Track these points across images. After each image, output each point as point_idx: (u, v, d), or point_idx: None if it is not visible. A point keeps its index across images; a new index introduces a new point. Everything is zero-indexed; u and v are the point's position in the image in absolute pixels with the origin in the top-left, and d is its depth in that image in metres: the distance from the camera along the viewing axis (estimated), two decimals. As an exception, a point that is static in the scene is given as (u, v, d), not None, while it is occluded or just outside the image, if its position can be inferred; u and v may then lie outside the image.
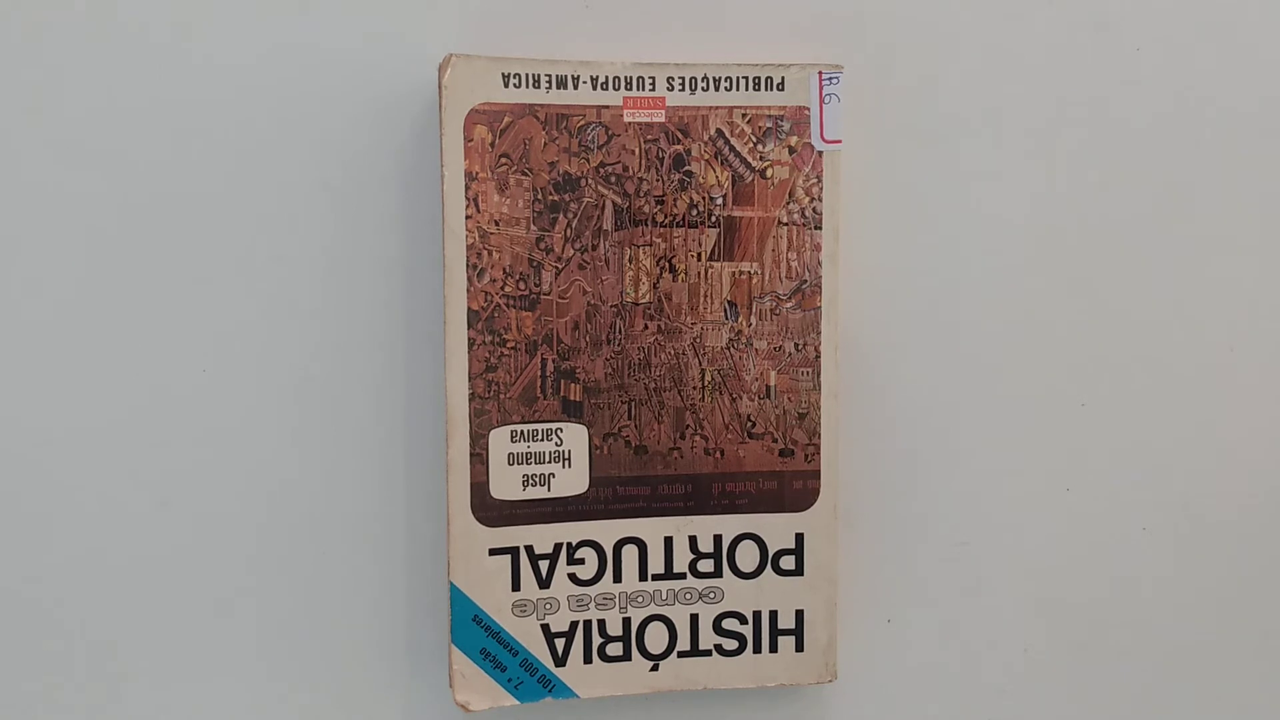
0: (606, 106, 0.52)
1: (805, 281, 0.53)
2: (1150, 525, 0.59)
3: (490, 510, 0.52)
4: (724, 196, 0.53)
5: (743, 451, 0.54)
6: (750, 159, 0.53)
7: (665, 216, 0.53)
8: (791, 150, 0.53)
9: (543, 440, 0.53)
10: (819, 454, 0.54)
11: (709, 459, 0.54)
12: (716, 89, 0.52)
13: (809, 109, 0.53)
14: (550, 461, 0.53)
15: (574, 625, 0.54)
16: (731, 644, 0.55)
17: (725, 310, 0.53)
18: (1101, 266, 0.57)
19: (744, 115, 0.53)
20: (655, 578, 0.54)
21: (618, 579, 0.54)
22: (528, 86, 0.51)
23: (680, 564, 0.54)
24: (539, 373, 0.52)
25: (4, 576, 0.53)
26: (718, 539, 0.54)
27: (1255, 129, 0.57)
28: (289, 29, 0.52)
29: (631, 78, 0.52)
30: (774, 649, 0.55)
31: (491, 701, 0.53)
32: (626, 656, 0.54)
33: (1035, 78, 0.56)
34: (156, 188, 0.52)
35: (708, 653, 0.55)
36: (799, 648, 0.55)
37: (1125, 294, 0.57)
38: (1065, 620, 0.59)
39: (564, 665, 0.53)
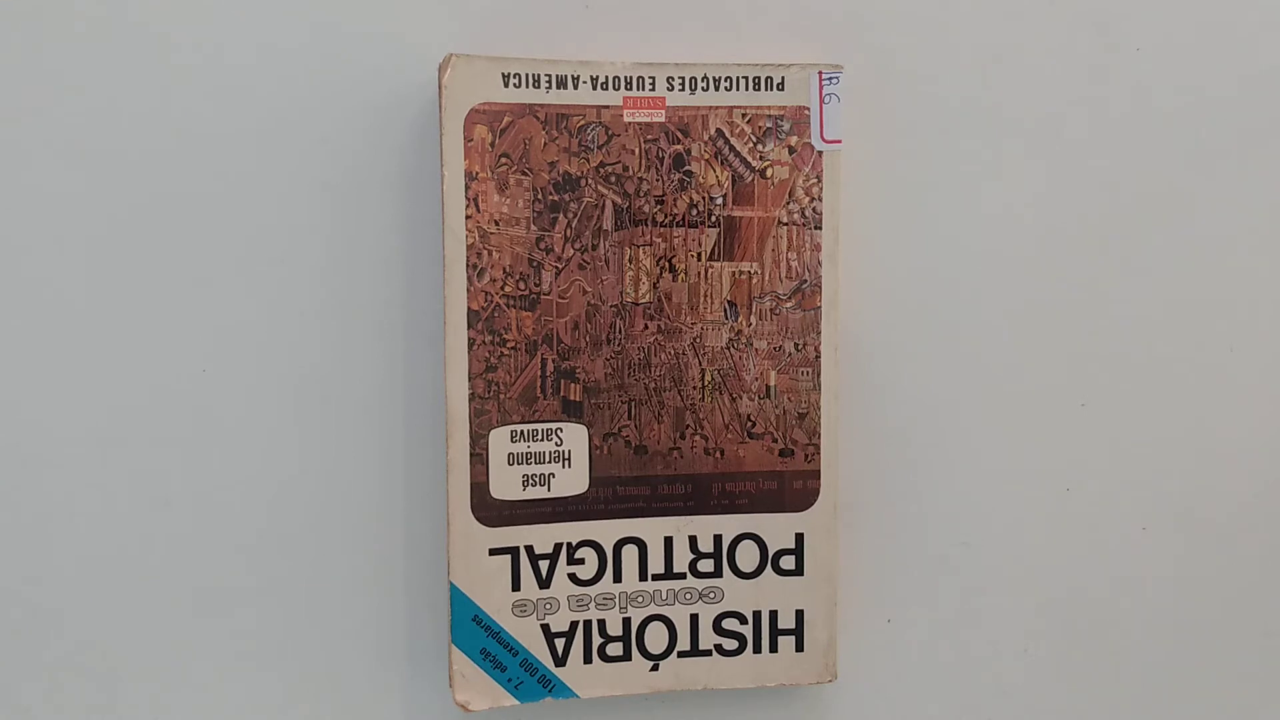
0: (606, 106, 0.52)
1: (805, 281, 0.53)
2: (1150, 525, 0.59)
3: (490, 510, 0.52)
4: (724, 196, 0.53)
5: (743, 451, 0.54)
6: (750, 159, 0.53)
7: (665, 216, 0.53)
8: (791, 150, 0.53)
9: (543, 440, 0.53)
10: (819, 454, 0.54)
11: (709, 459, 0.54)
12: (716, 89, 0.52)
13: (809, 109, 0.53)
14: (550, 461, 0.53)
15: (574, 625, 0.54)
16: (731, 644, 0.55)
17: (725, 310, 0.53)
18: (1101, 266, 0.57)
19: (744, 115, 0.53)
20: (655, 578, 0.54)
21: (618, 579, 0.54)
22: (528, 86, 0.51)
23: (680, 564, 0.54)
24: (539, 373, 0.52)
25: (4, 577, 0.53)
26: (718, 539, 0.54)
27: (1255, 129, 0.57)
28: (289, 29, 0.52)
29: (631, 78, 0.52)
30: (774, 649, 0.55)
31: (491, 701, 0.53)
32: (626, 656, 0.54)
33: (1035, 78, 0.56)
34: (156, 188, 0.52)
35: (708, 653, 0.55)
36: (799, 648, 0.55)
37: (1125, 294, 0.57)
38: (1065, 620, 0.59)
39: (564, 665, 0.53)
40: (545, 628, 0.53)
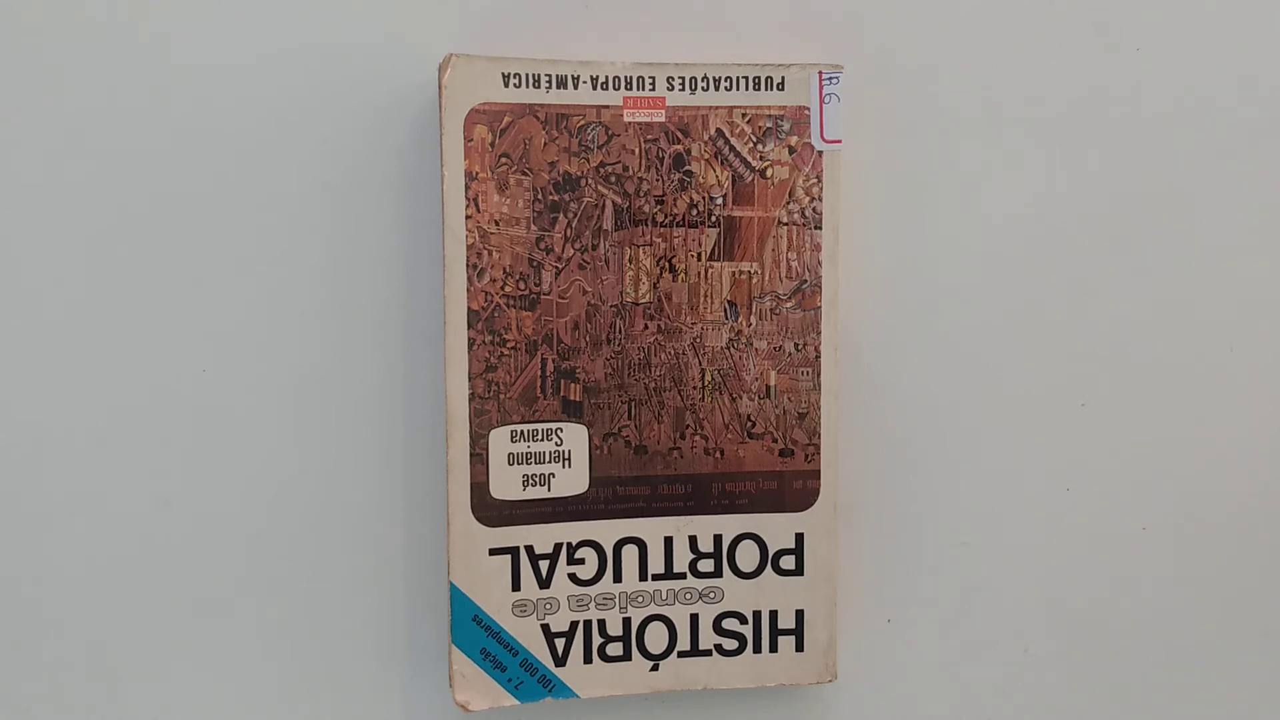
0: (606, 106, 0.52)
1: (805, 281, 0.53)
2: (1150, 525, 0.59)
3: (490, 510, 0.52)
4: (724, 196, 0.53)
5: (743, 451, 0.54)
6: (750, 159, 0.53)
7: (665, 216, 0.53)
8: (791, 150, 0.53)
9: (543, 440, 0.53)
10: (819, 454, 0.54)
11: (709, 459, 0.54)
12: (716, 89, 0.52)
13: (809, 109, 0.53)
14: (550, 461, 0.53)
15: (574, 625, 0.54)
16: (731, 644, 0.55)
17: (725, 310, 0.53)
18: (1101, 266, 0.57)
19: (744, 115, 0.53)
20: (655, 578, 0.54)
21: (618, 579, 0.54)
22: (528, 86, 0.51)
23: (680, 564, 0.54)
24: (539, 373, 0.52)
25: (4, 576, 0.53)
26: (718, 539, 0.54)
27: (1255, 129, 0.57)
28: (289, 29, 0.52)
29: (631, 78, 0.52)
30: (774, 649, 0.55)
31: (491, 701, 0.53)
32: (626, 656, 0.54)
33: (1035, 78, 0.56)
34: (156, 188, 0.52)
35: (708, 653, 0.55)
36: (799, 648, 0.55)
37: (1125, 294, 0.57)
38: (1065, 620, 0.59)
39: (564, 665, 0.53)
40: (545, 628, 0.53)
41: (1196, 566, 0.59)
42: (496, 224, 0.51)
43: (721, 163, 0.53)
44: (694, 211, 0.53)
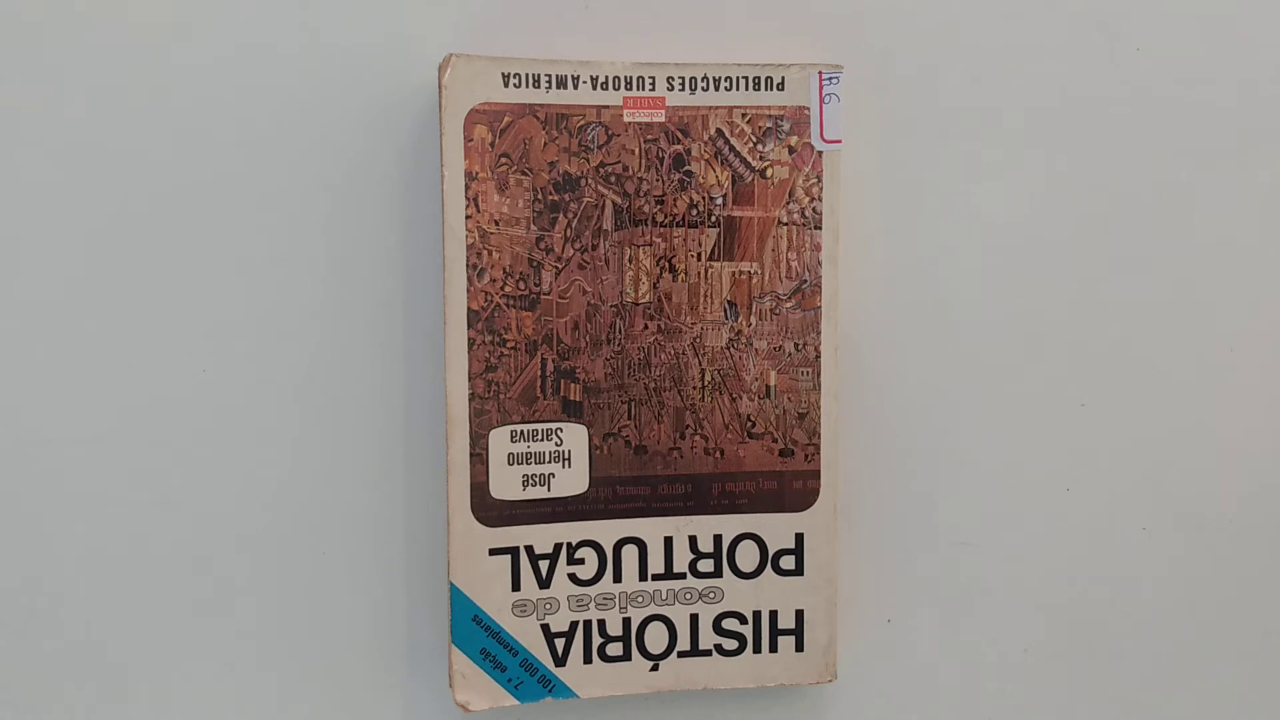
0: (606, 106, 0.52)
1: (805, 281, 0.53)
2: (1150, 525, 0.59)
3: (490, 510, 0.52)
4: (724, 196, 0.53)
5: (743, 451, 0.54)
6: (750, 159, 0.53)
7: (665, 216, 0.53)
8: (791, 150, 0.53)
9: (543, 440, 0.53)
10: (819, 454, 0.54)
11: (709, 459, 0.54)
12: (716, 89, 0.52)
13: (809, 109, 0.53)
14: (550, 461, 0.53)
15: (574, 625, 0.54)
16: (731, 644, 0.55)
17: (725, 310, 0.53)
18: (1101, 266, 0.57)
19: (744, 115, 0.53)
20: (655, 578, 0.54)
21: (618, 579, 0.54)
22: (528, 86, 0.51)
23: (680, 564, 0.54)
24: (539, 373, 0.52)
25: (4, 576, 0.53)
26: (718, 539, 0.54)
27: (1255, 129, 0.57)
28: (289, 29, 0.52)
29: (631, 78, 0.52)
30: (774, 649, 0.55)
31: (491, 701, 0.53)
32: (626, 656, 0.54)
33: (1035, 78, 0.56)
34: (156, 188, 0.52)
35: (708, 653, 0.55)
36: (799, 648, 0.55)
37: (1125, 294, 0.57)
38: (1065, 620, 0.59)
39: (564, 665, 0.53)
40: (545, 628, 0.53)
41: (1196, 566, 0.59)
42: (496, 224, 0.51)
43: (721, 163, 0.53)
44: (694, 211, 0.53)
